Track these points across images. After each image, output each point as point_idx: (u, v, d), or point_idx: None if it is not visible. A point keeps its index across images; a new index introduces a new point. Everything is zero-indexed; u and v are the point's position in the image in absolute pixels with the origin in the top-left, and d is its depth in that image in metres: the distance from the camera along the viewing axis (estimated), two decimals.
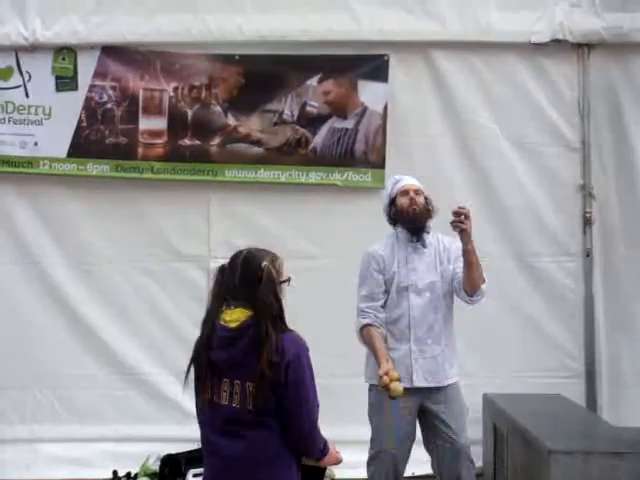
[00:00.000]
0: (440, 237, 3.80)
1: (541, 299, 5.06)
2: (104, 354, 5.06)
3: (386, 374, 3.37)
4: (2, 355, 5.00)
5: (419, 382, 3.63)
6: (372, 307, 3.66)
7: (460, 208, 3.47)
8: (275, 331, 2.44)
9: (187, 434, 4.32)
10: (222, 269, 2.56)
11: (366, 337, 3.65)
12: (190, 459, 4.60)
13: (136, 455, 4.84)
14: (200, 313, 2.66)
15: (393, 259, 3.71)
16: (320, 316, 4.80)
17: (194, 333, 2.66)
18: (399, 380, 3.37)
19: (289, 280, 2.57)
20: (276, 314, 2.48)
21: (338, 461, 2.64)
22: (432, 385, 3.65)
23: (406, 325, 3.66)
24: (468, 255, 3.56)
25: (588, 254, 5.04)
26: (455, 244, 3.73)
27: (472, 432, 4.31)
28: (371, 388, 3.75)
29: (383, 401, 3.59)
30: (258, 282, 2.46)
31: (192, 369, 2.58)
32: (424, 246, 3.70)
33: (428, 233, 3.74)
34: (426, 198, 3.75)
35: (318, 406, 2.51)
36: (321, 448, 2.56)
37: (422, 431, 3.74)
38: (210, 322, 2.53)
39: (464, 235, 3.51)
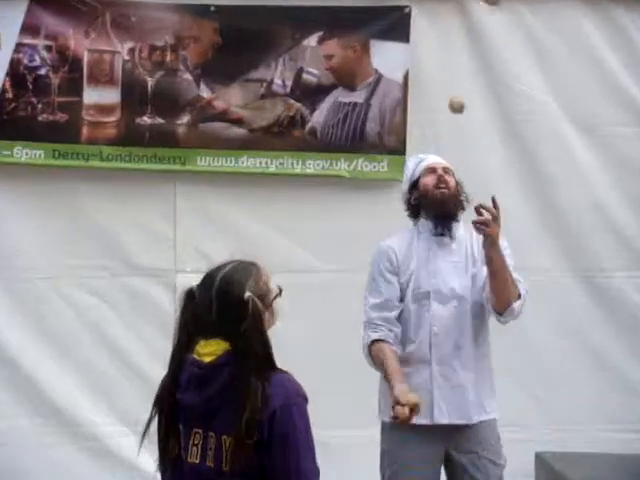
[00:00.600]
0: (473, 231, 3.77)
1: (613, 328, 5.06)
2: (35, 399, 5.02)
3: (400, 403, 3.34)
4: None
5: (442, 418, 3.62)
6: (385, 318, 3.65)
7: (483, 207, 3.46)
8: (259, 376, 2.41)
9: None
10: (191, 294, 2.53)
11: (376, 355, 3.63)
12: None
13: None
14: (164, 343, 2.65)
15: (411, 257, 3.71)
16: (321, 347, 4.84)
17: (155, 369, 2.65)
18: (416, 406, 3.35)
19: (280, 293, 2.54)
20: (261, 355, 2.45)
21: None
22: (458, 422, 3.63)
23: (426, 343, 3.64)
24: (491, 263, 3.55)
25: None
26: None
27: None
28: (385, 427, 3.74)
29: (401, 445, 3.62)
30: (240, 319, 2.44)
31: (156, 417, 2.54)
32: (452, 238, 3.71)
33: (458, 222, 3.74)
34: (457, 183, 3.76)
35: (317, 474, 2.45)
36: None
37: None
38: (179, 356, 2.51)
39: (488, 239, 3.52)
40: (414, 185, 3.79)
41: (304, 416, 2.43)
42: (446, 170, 3.76)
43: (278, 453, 2.39)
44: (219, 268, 2.54)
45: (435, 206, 3.72)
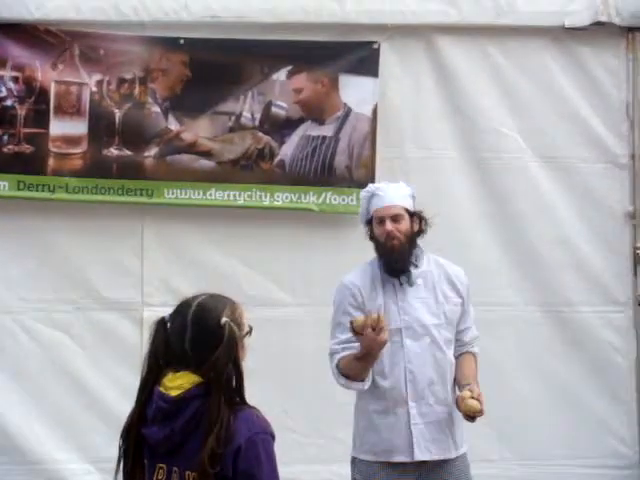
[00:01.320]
0: (442, 264, 3.82)
1: (579, 362, 5.07)
2: None
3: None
4: None
5: (421, 455, 3.65)
6: (349, 348, 3.64)
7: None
8: (228, 408, 2.39)
9: None
10: (163, 323, 2.51)
11: (344, 367, 3.64)
12: None
13: None
14: (130, 378, 2.62)
15: (376, 291, 3.71)
16: (290, 382, 4.80)
17: (121, 405, 2.61)
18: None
19: (250, 331, 2.53)
20: (233, 387, 2.43)
21: None
22: (437, 458, 3.66)
23: (402, 381, 3.66)
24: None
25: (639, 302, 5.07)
26: (462, 276, 3.81)
27: None
28: (356, 463, 3.76)
29: (375, 477, 3.65)
30: (216, 345, 2.42)
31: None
32: (410, 285, 3.71)
33: (416, 266, 3.72)
34: (414, 214, 3.72)
35: None
36: None
37: None
38: (146, 389, 2.48)
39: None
40: (369, 221, 3.78)
41: (270, 453, 2.41)
42: (395, 218, 3.69)
43: None
44: (195, 297, 2.52)
45: (386, 259, 3.72)
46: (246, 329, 2.51)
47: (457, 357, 3.79)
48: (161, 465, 2.44)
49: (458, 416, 3.69)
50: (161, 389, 2.46)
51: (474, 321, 3.87)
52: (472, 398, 3.54)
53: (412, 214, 3.72)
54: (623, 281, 5.09)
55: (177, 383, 2.44)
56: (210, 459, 2.33)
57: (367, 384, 3.64)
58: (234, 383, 2.43)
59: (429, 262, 3.77)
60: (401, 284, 3.70)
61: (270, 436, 2.42)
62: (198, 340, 2.44)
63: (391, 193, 3.75)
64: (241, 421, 2.38)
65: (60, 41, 5.01)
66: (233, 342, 2.43)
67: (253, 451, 2.37)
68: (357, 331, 3.46)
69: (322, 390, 4.59)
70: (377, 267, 3.76)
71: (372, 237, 3.78)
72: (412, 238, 3.71)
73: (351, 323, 3.51)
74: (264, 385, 4.25)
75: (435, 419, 3.66)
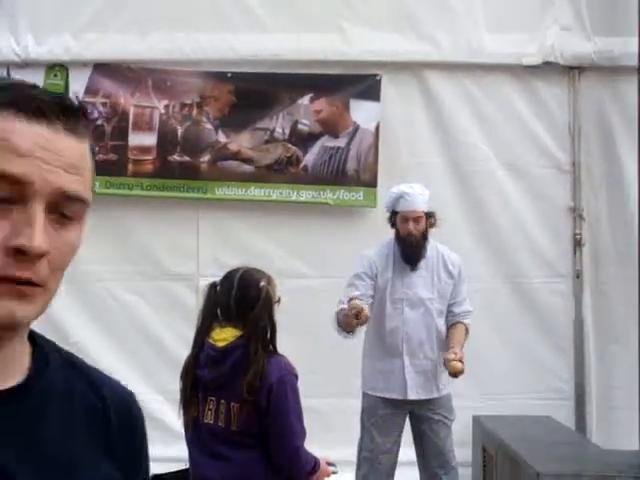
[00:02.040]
0: (440, 250, 3.85)
1: (531, 320, 5.02)
2: None
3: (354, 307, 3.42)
4: None
5: (412, 395, 3.74)
6: (359, 297, 3.65)
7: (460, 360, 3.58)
8: (263, 353, 2.44)
9: (174, 454, 4.32)
10: (213, 286, 2.57)
11: (339, 312, 3.62)
12: (178, 479, 4.59)
13: None
14: (188, 332, 2.68)
15: (387, 267, 3.77)
16: (310, 336, 4.83)
17: (181, 352, 2.67)
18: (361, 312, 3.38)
19: (279, 300, 2.59)
20: (268, 336, 2.48)
21: (330, 474, 2.64)
22: (423, 398, 3.76)
23: (399, 339, 3.73)
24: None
25: (578, 275, 5.07)
26: (457, 262, 3.83)
27: (462, 454, 4.36)
28: (365, 396, 3.84)
29: (377, 406, 3.74)
30: (255, 303, 2.46)
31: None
32: (414, 270, 3.75)
33: (424, 257, 3.77)
34: (429, 216, 3.75)
35: (304, 434, 2.51)
36: (308, 470, 2.56)
37: (412, 434, 3.86)
38: (200, 340, 2.54)
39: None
40: (394, 212, 3.80)
41: (295, 389, 2.52)
42: (416, 220, 3.72)
43: (274, 417, 2.47)
44: (240, 267, 2.60)
45: (403, 249, 3.77)
46: (276, 298, 2.58)
47: (450, 326, 3.80)
48: (211, 397, 2.52)
49: (442, 368, 3.74)
50: (210, 340, 2.52)
51: (468, 298, 3.87)
52: (455, 360, 3.56)
53: (428, 215, 3.76)
54: (565, 259, 5.06)
55: (223, 336, 2.50)
56: (248, 389, 2.41)
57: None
58: (268, 335, 2.50)
59: (432, 249, 3.81)
60: (412, 270, 3.75)
61: (295, 377, 2.52)
62: (241, 299, 2.51)
63: (416, 199, 3.74)
64: (273, 365, 2.48)
65: (137, 75, 5.05)
66: (269, 302, 2.50)
67: (282, 387, 2.47)
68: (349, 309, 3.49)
69: (336, 341, 4.64)
70: (392, 249, 3.79)
71: (393, 224, 3.80)
72: (425, 234, 3.76)
73: (350, 299, 3.50)
74: (291, 338, 4.30)
75: (423, 369, 3.74)
